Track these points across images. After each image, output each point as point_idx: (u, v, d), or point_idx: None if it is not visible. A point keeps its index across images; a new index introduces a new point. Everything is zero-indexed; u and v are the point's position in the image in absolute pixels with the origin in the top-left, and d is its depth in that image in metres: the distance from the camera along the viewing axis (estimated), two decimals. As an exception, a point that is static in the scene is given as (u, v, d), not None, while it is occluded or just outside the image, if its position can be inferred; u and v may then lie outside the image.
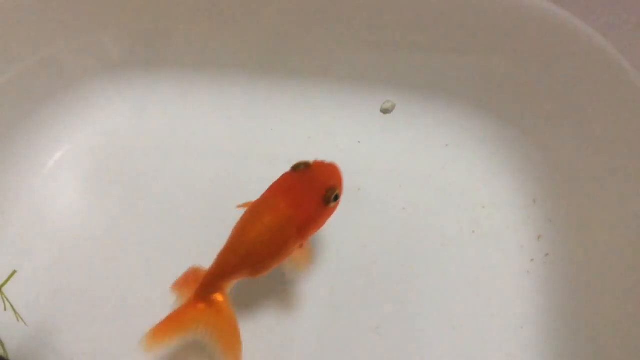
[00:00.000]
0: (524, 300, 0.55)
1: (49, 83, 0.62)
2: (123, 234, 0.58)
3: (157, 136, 0.64)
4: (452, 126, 0.63)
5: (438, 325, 0.54)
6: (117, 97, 0.65)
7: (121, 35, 0.63)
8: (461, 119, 0.63)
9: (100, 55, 0.63)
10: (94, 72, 0.64)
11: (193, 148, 0.63)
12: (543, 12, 0.55)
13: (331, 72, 0.64)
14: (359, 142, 0.64)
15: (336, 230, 0.57)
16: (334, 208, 0.50)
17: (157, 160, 0.62)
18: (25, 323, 0.51)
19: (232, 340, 0.48)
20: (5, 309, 0.48)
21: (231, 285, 0.49)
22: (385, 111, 0.48)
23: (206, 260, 0.56)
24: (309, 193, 0.48)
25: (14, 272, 0.47)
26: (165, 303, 0.54)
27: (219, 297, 0.48)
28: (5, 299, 0.47)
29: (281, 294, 0.55)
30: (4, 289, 0.47)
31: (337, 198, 0.49)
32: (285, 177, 0.49)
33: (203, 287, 0.48)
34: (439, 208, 0.60)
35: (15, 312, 0.48)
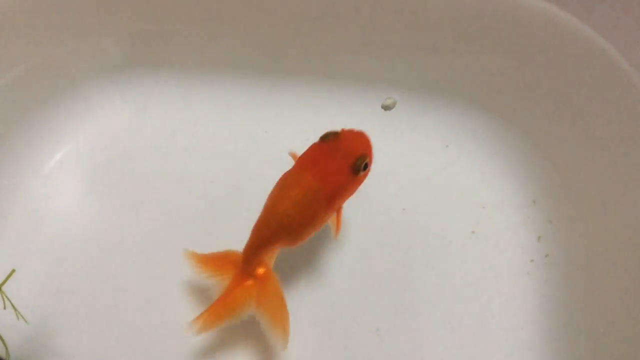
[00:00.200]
0: (524, 301, 0.55)
1: (50, 84, 0.62)
2: (123, 235, 0.58)
3: (157, 137, 0.64)
4: (452, 127, 0.63)
5: (438, 326, 0.54)
6: (117, 98, 0.65)
7: (122, 37, 0.63)
8: (461, 120, 0.63)
9: (101, 56, 0.63)
10: (95, 73, 0.64)
11: (193, 149, 0.63)
12: (543, 13, 0.55)
13: (331, 73, 0.64)
14: (359, 142, 0.64)
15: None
16: (364, 176, 0.50)
17: (158, 161, 0.62)
18: (25, 320, 0.51)
19: (280, 312, 0.48)
20: (4, 308, 0.48)
21: (272, 257, 0.50)
22: (386, 108, 0.48)
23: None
24: (336, 163, 0.47)
25: (13, 270, 0.47)
26: (166, 303, 0.55)
27: (262, 271, 0.48)
28: (4, 297, 0.47)
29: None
30: (3, 288, 0.47)
31: (366, 167, 0.48)
32: (312, 147, 0.49)
33: (246, 264, 0.48)
34: (439, 209, 0.60)
35: (15, 310, 0.48)
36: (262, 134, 0.64)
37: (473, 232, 0.58)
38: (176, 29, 0.63)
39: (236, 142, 0.64)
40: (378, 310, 0.54)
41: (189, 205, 0.60)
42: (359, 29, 0.61)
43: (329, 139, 0.48)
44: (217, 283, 0.50)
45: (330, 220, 0.51)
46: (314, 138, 0.63)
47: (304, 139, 0.63)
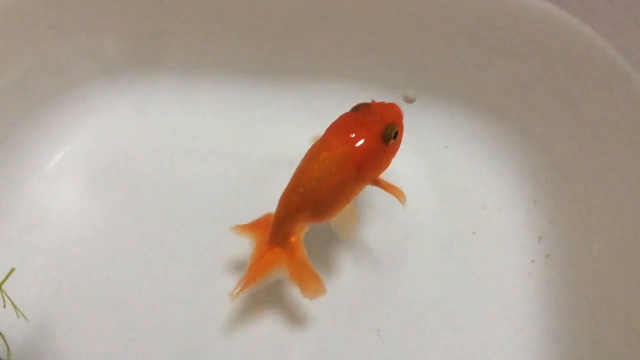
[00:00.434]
0: (525, 302, 0.54)
1: (50, 85, 0.62)
2: (123, 236, 0.58)
3: (157, 137, 0.64)
4: (452, 127, 0.63)
5: (439, 327, 0.54)
6: (117, 99, 0.65)
7: (121, 38, 0.63)
8: (461, 120, 0.63)
9: (101, 57, 0.64)
10: (95, 74, 0.64)
11: (193, 149, 0.63)
12: (543, 13, 0.55)
13: (331, 74, 0.64)
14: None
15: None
16: (395, 146, 0.49)
17: (158, 161, 0.62)
18: (26, 318, 0.51)
19: (309, 278, 0.49)
20: (4, 306, 0.48)
21: (302, 229, 0.50)
22: (406, 99, 0.48)
23: (205, 261, 0.57)
24: (366, 130, 0.47)
25: (13, 269, 0.47)
26: (166, 303, 0.55)
27: (291, 240, 0.49)
28: (4, 295, 0.47)
29: (282, 296, 0.55)
30: (3, 288, 0.47)
31: (396, 135, 0.48)
32: (342, 117, 0.49)
33: (274, 232, 0.49)
34: (439, 209, 0.60)
35: (16, 308, 0.48)
36: (262, 134, 0.64)
37: (473, 232, 0.58)
38: (176, 29, 0.63)
39: (236, 142, 0.64)
40: (378, 311, 0.54)
41: (189, 205, 0.60)
42: (359, 29, 0.61)
43: (360, 109, 0.49)
44: (255, 245, 0.51)
45: (389, 193, 0.51)
46: (315, 138, 0.63)
47: (304, 139, 0.63)
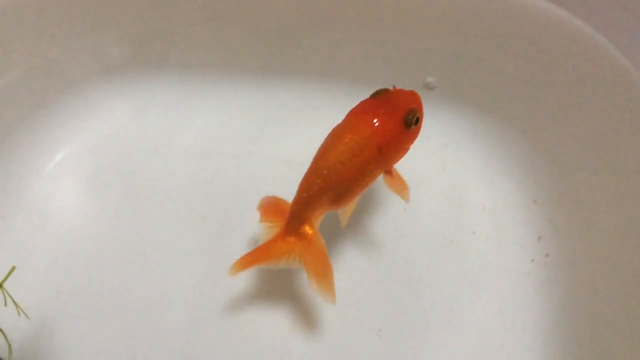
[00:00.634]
0: (525, 301, 0.55)
1: (50, 85, 0.62)
2: (123, 236, 0.58)
3: (158, 137, 0.64)
4: (452, 127, 0.63)
5: (439, 327, 0.54)
6: (117, 98, 0.65)
7: (121, 37, 0.63)
8: (461, 120, 0.63)
9: (101, 57, 0.63)
10: (95, 74, 0.64)
11: (193, 149, 0.63)
12: (544, 13, 0.55)
13: (331, 73, 0.64)
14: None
15: (337, 231, 0.57)
16: (415, 132, 0.50)
17: (158, 161, 0.62)
18: (27, 316, 0.51)
19: (323, 270, 0.49)
20: (5, 304, 0.48)
21: (318, 217, 0.49)
22: (427, 87, 0.48)
23: (206, 261, 0.57)
24: (389, 114, 0.47)
25: (14, 267, 0.47)
26: (166, 303, 0.55)
27: (307, 229, 0.48)
28: (5, 293, 0.47)
29: (282, 296, 0.55)
30: (4, 286, 0.47)
31: (417, 121, 0.49)
32: (363, 102, 0.50)
33: (292, 218, 0.48)
34: (439, 209, 0.60)
35: (17, 306, 0.48)
36: (262, 134, 0.64)
37: (473, 232, 0.58)
38: (176, 29, 0.63)
39: (236, 142, 0.64)
40: (379, 311, 0.54)
41: (189, 205, 0.60)
42: (358, 29, 0.61)
43: (380, 95, 0.49)
44: (271, 229, 0.51)
45: (393, 188, 0.51)
46: (315, 138, 0.63)
47: (305, 139, 0.63)
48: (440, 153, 0.63)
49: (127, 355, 0.52)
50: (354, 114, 0.49)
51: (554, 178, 0.58)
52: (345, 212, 0.52)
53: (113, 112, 0.65)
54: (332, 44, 0.62)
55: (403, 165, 0.62)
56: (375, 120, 0.47)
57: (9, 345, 0.49)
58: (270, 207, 0.52)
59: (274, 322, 0.54)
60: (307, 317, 0.54)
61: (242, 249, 0.57)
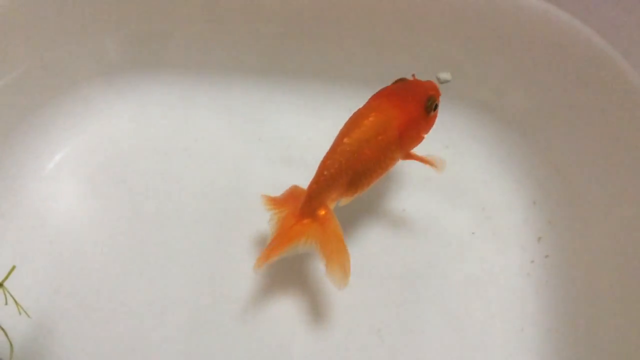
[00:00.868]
0: (524, 302, 0.55)
1: (49, 86, 0.62)
2: (122, 236, 0.58)
3: (157, 138, 0.64)
4: (451, 128, 0.63)
5: (439, 327, 0.54)
6: (116, 99, 0.65)
7: (121, 38, 0.63)
8: (461, 121, 0.63)
9: (101, 57, 0.63)
10: (94, 75, 0.64)
11: (193, 150, 0.63)
12: (543, 14, 0.55)
13: (330, 73, 0.64)
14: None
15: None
16: (433, 119, 0.51)
17: (157, 162, 0.62)
18: (28, 315, 0.51)
19: (339, 252, 0.48)
20: (6, 303, 0.48)
21: (333, 201, 0.49)
22: (444, 81, 0.49)
23: (205, 262, 0.57)
24: (411, 98, 0.49)
25: (14, 267, 0.47)
26: (165, 303, 0.55)
27: (322, 211, 0.48)
28: (6, 292, 0.47)
29: (282, 296, 0.55)
30: (4, 285, 0.47)
31: (436, 107, 0.50)
32: (386, 87, 0.51)
33: (310, 198, 0.48)
34: (439, 210, 0.60)
35: (17, 304, 0.48)
36: (262, 135, 0.64)
37: (473, 233, 0.58)
38: (175, 30, 0.63)
39: (236, 142, 0.64)
40: (379, 312, 0.54)
41: (189, 206, 0.60)
42: (358, 29, 0.61)
43: (401, 82, 0.51)
44: (281, 216, 0.50)
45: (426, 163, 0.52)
46: (314, 138, 0.64)
47: (304, 140, 0.63)
48: (440, 154, 0.62)
49: (127, 355, 0.53)
50: (377, 97, 0.50)
51: (553, 179, 0.58)
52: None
53: (112, 113, 0.65)
54: (331, 44, 0.62)
55: (403, 166, 0.62)
56: (399, 102, 0.48)
57: (11, 344, 0.49)
58: (281, 195, 0.52)
59: (273, 323, 0.54)
60: (306, 318, 0.54)
61: (241, 249, 0.57)
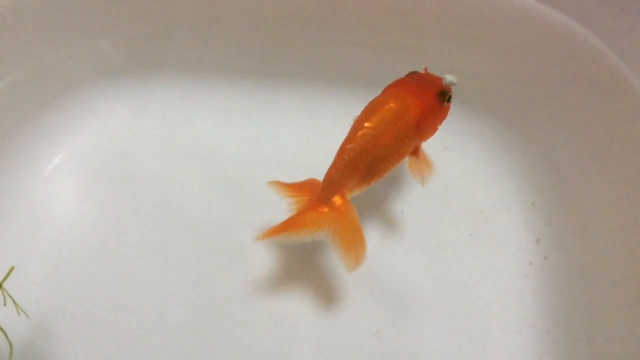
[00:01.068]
0: (523, 304, 0.55)
1: (48, 87, 0.62)
2: (122, 237, 0.58)
3: (156, 140, 0.64)
4: (450, 129, 0.63)
5: (437, 329, 0.54)
6: (116, 101, 0.65)
7: (121, 39, 0.63)
8: (460, 122, 0.63)
9: (100, 59, 0.63)
10: (93, 76, 0.64)
11: (192, 152, 0.63)
12: (542, 16, 0.55)
13: (329, 75, 0.64)
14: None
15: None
16: (447, 110, 0.51)
17: (157, 164, 0.62)
18: (27, 315, 0.51)
19: (355, 241, 0.49)
20: (5, 304, 0.48)
21: (350, 190, 0.49)
22: (450, 83, 0.50)
23: (204, 263, 0.57)
24: (426, 88, 0.50)
25: (12, 268, 0.47)
26: (165, 304, 0.55)
27: (339, 200, 0.48)
28: (5, 293, 0.47)
29: (281, 296, 0.55)
30: (3, 286, 0.47)
31: (449, 99, 0.51)
32: (400, 79, 0.51)
33: (328, 185, 0.48)
34: (437, 211, 0.60)
35: (16, 305, 0.48)
36: (261, 136, 0.64)
37: (471, 234, 0.58)
38: (175, 31, 0.63)
39: (235, 144, 0.64)
40: (378, 313, 0.55)
41: (188, 208, 0.60)
42: (358, 29, 0.61)
43: (413, 74, 0.51)
44: (296, 205, 0.50)
45: (415, 170, 0.53)
46: (314, 140, 0.64)
47: (304, 141, 0.63)
48: (439, 155, 0.62)
49: (127, 355, 0.53)
50: (393, 86, 0.50)
51: (552, 181, 0.58)
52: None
53: (112, 115, 0.65)
54: (331, 46, 0.62)
55: (402, 167, 0.62)
56: (415, 91, 0.49)
57: (10, 345, 0.49)
58: (298, 183, 0.52)
59: (272, 322, 0.54)
60: (306, 319, 0.54)
61: (241, 250, 0.57)
